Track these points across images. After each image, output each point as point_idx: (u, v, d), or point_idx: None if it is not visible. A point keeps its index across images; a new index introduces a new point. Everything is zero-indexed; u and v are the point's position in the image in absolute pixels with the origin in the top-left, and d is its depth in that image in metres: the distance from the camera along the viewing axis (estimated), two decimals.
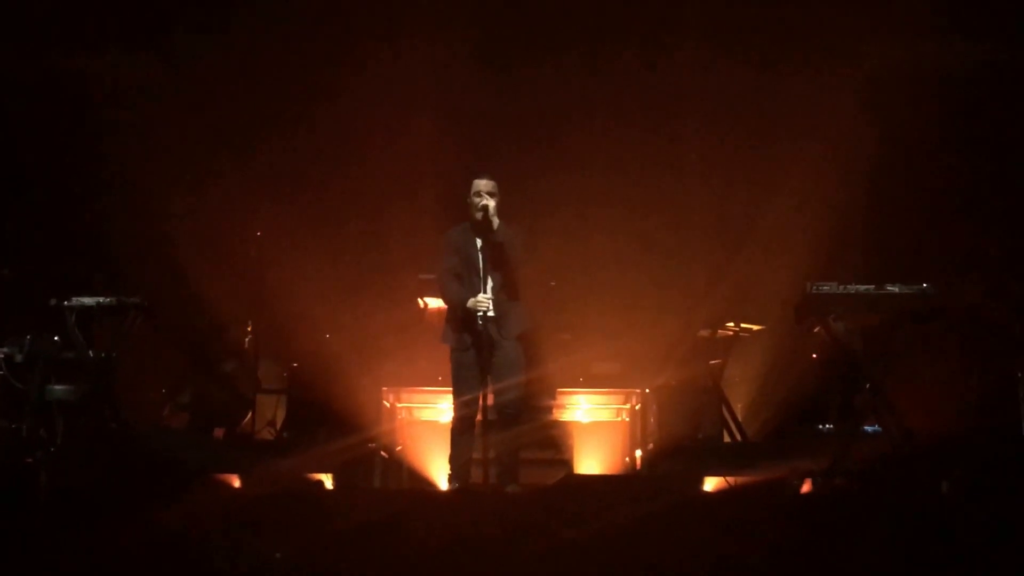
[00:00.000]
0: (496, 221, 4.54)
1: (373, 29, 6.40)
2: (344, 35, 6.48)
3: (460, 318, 4.58)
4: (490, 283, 4.57)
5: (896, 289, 4.73)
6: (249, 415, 6.10)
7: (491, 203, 4.53)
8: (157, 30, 6.45)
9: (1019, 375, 4.86)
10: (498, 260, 4.56)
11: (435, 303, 5.92)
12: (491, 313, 4.56)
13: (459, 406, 4.61)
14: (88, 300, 5.08)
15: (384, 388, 5.73)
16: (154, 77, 6.57)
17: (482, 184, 4.59)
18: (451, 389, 4.72)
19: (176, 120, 6.44)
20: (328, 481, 5.09)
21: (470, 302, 4.51)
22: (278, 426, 6.24)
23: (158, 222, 6.35)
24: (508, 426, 4.57)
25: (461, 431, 4.61)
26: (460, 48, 6.43)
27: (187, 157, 6.48)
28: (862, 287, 4.74)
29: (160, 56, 6.57)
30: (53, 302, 5.04)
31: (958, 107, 6.27)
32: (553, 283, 6.16)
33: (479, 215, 4.53)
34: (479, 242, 4.61)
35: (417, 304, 6.07)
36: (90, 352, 4.99)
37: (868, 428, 5.08)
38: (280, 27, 6.42)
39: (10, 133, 6.27)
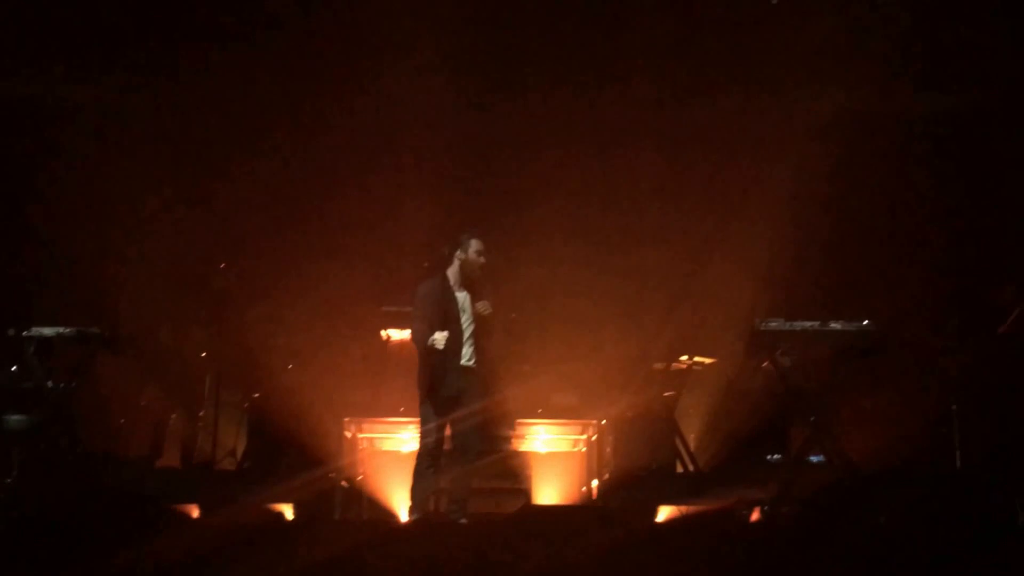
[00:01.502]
0: None
1: (345, 68, 6.52)
2: (313, 72, 6.60)
3: (434, 364, 4.59)
4: (470, 340, 4.66)
5: (839, 326, 5.02)
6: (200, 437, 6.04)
7: None
8: (124, 57, 6.47)
9: (953, 409, 5.12)
10: (486, 315, 4.69)
11: (398, 335, 6.00)
12: (471, 362, 4.67)
13: (424, 435, 4.67)
14: (47, 330, 5.05)
15: (346, 419, 5.75)
16: (121, 105, 6.58)
17: (482, 245, 4.74)
18: (414, 420, 4.80)
19: (141, 150, 6.45)
20: (288, 512, 5.11)
21: (429, 340, 4.50)
22: (238, 456, 6.21)
23: (120, 251, 6.33)
24: (466, 460, 4.66)
25: (427, 465, 4.67)
26: (424, 89, 6.58)
27: (151, 187, 6.49)
28: (808, 324, 5.00)
29: (126, 83, 6.60)
30: (11, 332, 5.01)
31: (903, 152, 6.61)
32: (514, 315, 6.28)
33: (479, 271, 4.67)
34: (458, 295, 4.70)
35: (380, 336, 6.13)
36: (48, 382, 4.96)
37: (813, 458, 5.30)
38: (252, 61, 6.51)
39: None
